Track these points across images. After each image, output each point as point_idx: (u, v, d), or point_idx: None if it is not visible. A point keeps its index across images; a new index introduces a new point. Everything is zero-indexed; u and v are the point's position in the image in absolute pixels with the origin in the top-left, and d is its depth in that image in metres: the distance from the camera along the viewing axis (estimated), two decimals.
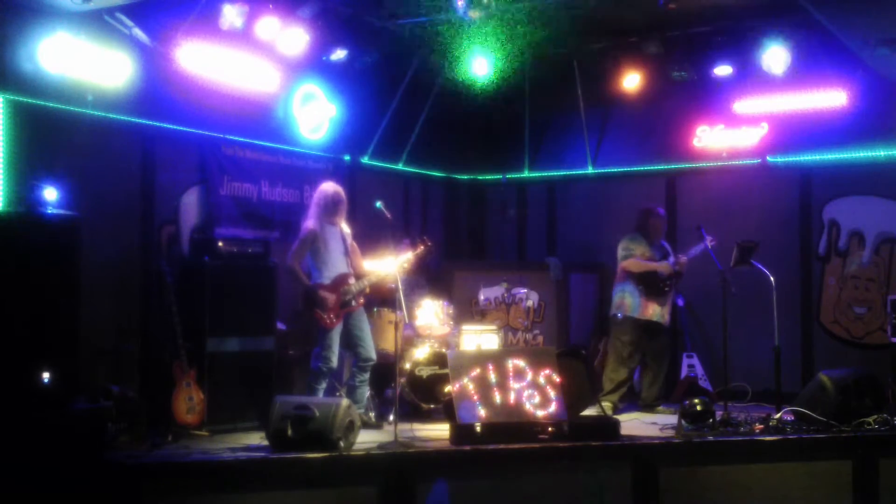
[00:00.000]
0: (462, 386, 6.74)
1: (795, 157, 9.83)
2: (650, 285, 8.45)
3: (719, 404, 7.43)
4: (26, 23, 6.84)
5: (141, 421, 6.65)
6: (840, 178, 9.65)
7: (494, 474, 6.26)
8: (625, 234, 8.68)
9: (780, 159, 9.88)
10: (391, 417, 7.09)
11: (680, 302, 9.65)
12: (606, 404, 8.27)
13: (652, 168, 10.58)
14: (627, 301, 8.50)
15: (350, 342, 7.48)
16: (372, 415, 7.58)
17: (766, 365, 8.50)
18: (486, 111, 11.04)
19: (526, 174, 11.33)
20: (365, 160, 10.12)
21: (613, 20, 9.54)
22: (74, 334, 6.23)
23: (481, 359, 6.96)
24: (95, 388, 6.64)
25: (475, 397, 6.70)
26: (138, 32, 7.53)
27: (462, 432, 6.48)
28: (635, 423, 7.64)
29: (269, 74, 8.63)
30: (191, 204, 8.21)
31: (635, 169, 10.68)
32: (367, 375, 7.49)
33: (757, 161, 9.96)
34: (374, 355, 7.51)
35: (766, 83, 9.59)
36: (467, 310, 9.93)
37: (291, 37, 8.46)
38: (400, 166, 10.70)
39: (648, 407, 8.53)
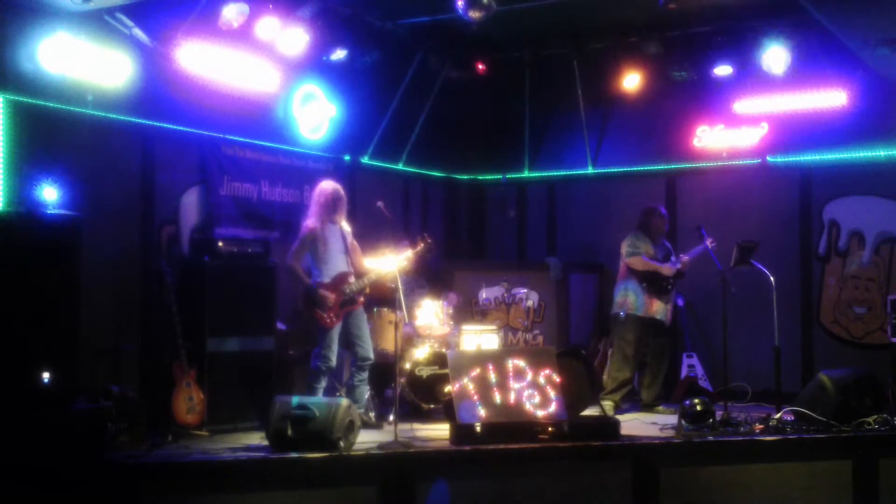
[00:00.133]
0: (462, 386, 6.74)
1: (795, 157, 9.83)
2: (653, 283, 8.45)
3: (719, 404, 7.42)
4: (26, 23, 6.84)
5: (141, 421, 6.65)
6: (840, 178, 9.66)
7: (494, 474, 6.26)
8: (626, 234, 8.68)
9: (780, 159, 9.88)
10: (391, 417, 7.08)
11: (680, 302, 9.65)
12: (608, 403, 8.27)
13: (652, 168, 10.58)
14: (631, 299, 8.50)
15: (348, 341, 7.48)
16: (372, 415, 7.58)
17: (766, 365, 8.51)
18: (486, 111, 11.06)
19: (526, 174, 11.33)
20: (365, 160, 10.12)
21: (613, 20, 9.55)
22: (74, 334, 6.23)
23: (481, 359, 6.96)
24: (95, 388, 6.64)
25: (475, 397, 6.69)
26: (138, 32, 7.53)
27: (462, 432, 6.48)
28: (635, 423, 7.64)
29: (269, 74, 8.62)
30: (191, 204, 8.21)
31: (635, 169, 10.68)
32: (365, 375, 7.49)
33: (757, 161, 9.96)
34: (371, 355, 7.51)
35: (766, 83, 9.59)
36: (467, 310, 9.93)
37: (291, 37, 8.45)
38: (400, 166, 10.70)
39: (648, 407, 8.54)
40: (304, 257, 7.42)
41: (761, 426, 7.07)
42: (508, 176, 11.24)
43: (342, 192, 7.57)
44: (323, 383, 7.32)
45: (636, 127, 10.84)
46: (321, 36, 8.73)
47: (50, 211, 6.25)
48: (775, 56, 9.16)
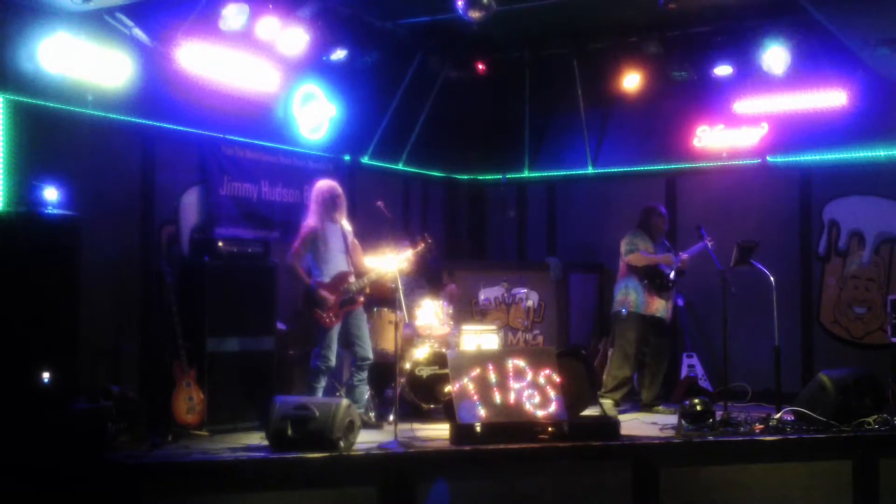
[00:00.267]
0: (462, 386, 6.74)
1: (795, 157, 9.83)
2: (654, 280, 8.46)
3: (719, 404, 7.42)
4: (26, 23, 6.84)
5: (141, 421, 6.64)
6: (840, 178, 9.66)
7: (494, 474, 6.26)
8: (626, 233, 8.68)
9: (780, 159, 9.88)
10: (391, 417, 7.09)
11: (680, 302, 9.65)
12: (608, 402, 8.27)
13: (652, 168, 10.58)
14: (632, 297, 8.50)
15: (348, 341, 7.48)
16: (372, 415, 7.58)
17: (766, 365, 8.51)
18: (486, 111, 11.06)
19: (526, 174, 11.33)
20: (365, 160, 10.12)
21: (613, 20, 9.55)
22: (74, 334, 6.24)
23: (481, 359, 6.96)
24: (95, 388, 6.64)
25: (475, 397, 6.69)
26: (138, 32, 7.53)
27: (462, 432, 6.48)
28: (635, 423, 7.64)
29: (269, 74, 8.62)
30: (191, 204, 8.21)
31: (635, 169, 10.68)
32: (365, 374, 7.49)
33: (757, 161, 9.96)
34: (370, 354, 7.51)
35: (766, 83, 9.59)
36: (467, 310, 9.93)
37: (291, 37, 8.45)
38: (400, 166, 10.70)
39: (648, 407, 8.54)
40: (304, 257, 7.41)
41: (761, 426, 7.07)
42: (508, 176, 11.24)
43: (339, 189, 7.56)
44: (323, 383, 7.32)
45: (636, 127, 10.84)
46: (321, 36, 8.73)
47: (50, 211, 6.26)
48: (775, 56, 9.16)
